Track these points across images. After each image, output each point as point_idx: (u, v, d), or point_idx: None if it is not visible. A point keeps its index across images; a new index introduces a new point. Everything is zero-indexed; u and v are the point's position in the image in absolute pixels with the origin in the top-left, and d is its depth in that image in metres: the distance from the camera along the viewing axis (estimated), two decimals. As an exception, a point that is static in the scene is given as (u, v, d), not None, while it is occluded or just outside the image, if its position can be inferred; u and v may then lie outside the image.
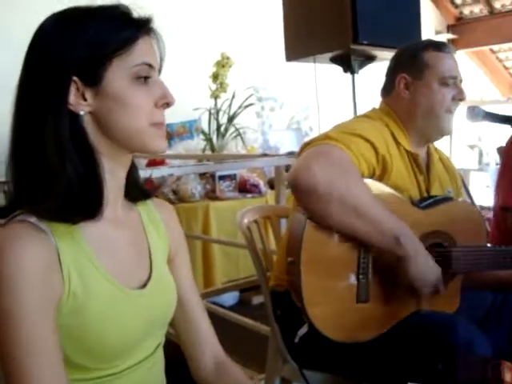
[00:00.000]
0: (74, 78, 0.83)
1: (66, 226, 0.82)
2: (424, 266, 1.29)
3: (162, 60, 0.92)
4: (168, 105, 0.90)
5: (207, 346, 1.06)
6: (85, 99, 0.84)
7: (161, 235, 1.01)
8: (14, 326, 0.76)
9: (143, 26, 0.87)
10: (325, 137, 1.36)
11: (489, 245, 1.57)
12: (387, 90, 1.57)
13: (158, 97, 0.88)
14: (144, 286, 0.93)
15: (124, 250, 0.92)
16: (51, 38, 0.84)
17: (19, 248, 0.77)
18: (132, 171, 0.96)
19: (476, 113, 1.43)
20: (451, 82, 1.48)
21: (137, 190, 0.99)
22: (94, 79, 0.83)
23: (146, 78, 0.87)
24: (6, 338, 0.76)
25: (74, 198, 0.82)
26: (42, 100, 0.83)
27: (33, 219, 0.80)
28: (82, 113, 0.84)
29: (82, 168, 0.83)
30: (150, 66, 0.87)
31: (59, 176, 0.81)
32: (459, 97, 1.48)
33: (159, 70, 0.92)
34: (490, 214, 1.85)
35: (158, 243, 1.00)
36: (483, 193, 4.45)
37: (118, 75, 0.84)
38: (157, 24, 0.90)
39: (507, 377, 0.91)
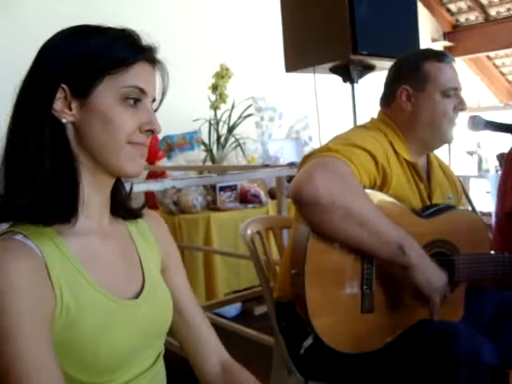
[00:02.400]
0: (63, 86, 0.83)
1: (52, 241, 0.82)
2: (430, 273, 1.30)
3: (163, 94, 0.92)
4: (153, 132, 0.89)
5: (211, 352, 1.05)
6: (70, 109, 0.84)
7: (151, 245, 1.01)
8: (6, 341, 0.75)
9: (144, 52, 0.87)
10: (325, 149, 1.36)
11: (492, 252, 1.57)
12: (387, 100, 1.58)
13: (144, 122, 0.87)
14: (137, 296, 0.93)
15: (113, 262, 0.92)
16: (53, 45, 0.86)
17: (6, 264, 0.76)
18: (118, 190, 0.96)
19: (477, 122, 1.44)
20: (452, 92, 1.49)
21: (123, 211, 0.98)
22: (82, 91, 0.84)
23: (136, 100, 0.86)
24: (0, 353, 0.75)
25: (48, 198, 0.82)
26: (30, 101, 0.84)
27: (19, 237, 0.80)
28: (64, 121, 0.85)
29: (59, 170, 0.83)
30: (142, 90, 0.86)
31: (36, 175, 0.82)
32: (460, 107, 1.50)
33: (160, 101, 0.92)
34: (491, 221, 1.84)
35: (148, 254, 1.00)
36: (483, 199, 4.46)
37: (107, 93, 0.84)
38: (159, 41, 0.90)
39: (515, 386, 0.91)
